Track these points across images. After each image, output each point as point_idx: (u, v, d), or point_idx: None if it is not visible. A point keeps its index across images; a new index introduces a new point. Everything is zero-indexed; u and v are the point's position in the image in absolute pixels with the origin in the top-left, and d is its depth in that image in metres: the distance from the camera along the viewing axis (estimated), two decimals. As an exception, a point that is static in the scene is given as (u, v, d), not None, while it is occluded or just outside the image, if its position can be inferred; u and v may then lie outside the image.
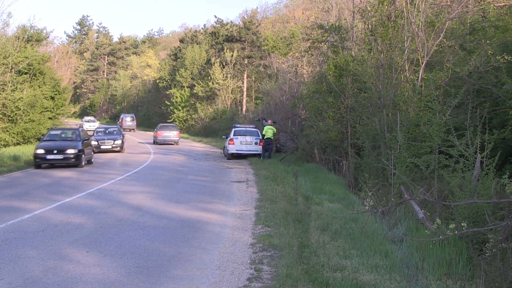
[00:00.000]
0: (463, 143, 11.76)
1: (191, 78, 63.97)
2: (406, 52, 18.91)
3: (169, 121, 64.27)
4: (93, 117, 79.56)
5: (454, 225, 9.16)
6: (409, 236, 10.29)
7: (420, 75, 18.35)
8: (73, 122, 71.50)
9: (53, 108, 36.41)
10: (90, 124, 67.30)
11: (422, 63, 18.43)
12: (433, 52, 18.73)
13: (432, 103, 14.77)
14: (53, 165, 24.36)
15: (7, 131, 32.33)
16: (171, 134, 44.09)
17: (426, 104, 16.15)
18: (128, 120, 67.85)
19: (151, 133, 53.15)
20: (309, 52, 30.18)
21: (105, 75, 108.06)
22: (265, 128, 29.75)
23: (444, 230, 9.08)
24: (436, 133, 13.71)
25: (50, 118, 35.87)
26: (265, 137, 29.34)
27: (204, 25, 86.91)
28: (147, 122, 76.79)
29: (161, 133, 44.09)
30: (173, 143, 43.94)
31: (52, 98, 36.75)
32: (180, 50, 72.35)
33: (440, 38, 18.77)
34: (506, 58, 16.82)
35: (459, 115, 16.36)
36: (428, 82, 16.66)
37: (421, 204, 11.55)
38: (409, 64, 19.21)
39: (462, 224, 9.22)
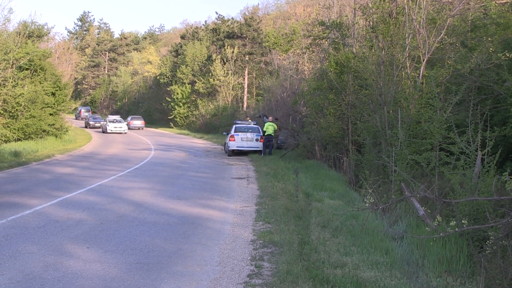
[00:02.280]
0: (464, 140, 11.76)
1: (192, 75, 63.93)
2: (407, 49, 18.88)
3: (170, 117, 64.81)
4: (119, 116, 63.97)
5: (454, 222, 9.17)
6: (410, 233, 10.30)
7: (421, 72, 18.33)
8: (75, 119, 71.44)
9: (54, 104, 36.33)
10: (116, 126, 54.69)
11: (423, 60, 18.41)
12: (434, 49, 18.70)
13: (433, 100, 14.77)
14: None
15: (8, 127, 32.28)
16: (138, 122, 64.28)
17: (427, 101, 16.14)
18: (83, 111, 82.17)
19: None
20: (310, 48, 30.13)
21: (106, 71, 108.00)
22: (266, 124, 29.79)
23: (445, 227, 9.07)
24: (437, 130, 13.71)
25: (51, 114, 35.82)
26: (265, 134, 29.37)
27: (205, 21, 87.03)
28: (148, 118, 76.69)
29: (131, 122, 63.68)
30: (138, 128, 63.31)
31: (53, 94, 36.67)
32: (181, 47, 72.28)
33: (442, 35, 18.75)
34: (508, 55, 16.81)
35: (460, 112, 16.34)
36: (429, 79, 16.63)
37: (421, 201, 11.54)
38: (410, 61, 19.19)
39: (463, 221, 9.24)
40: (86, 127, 63.00)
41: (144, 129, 63.73)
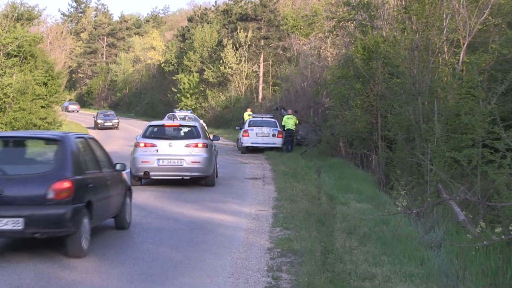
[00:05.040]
0: (511, 135, 11.64)
1: (201, 62, 63.98)
2: (445, 32, 18.79)
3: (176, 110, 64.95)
4: (190, 110, 51.21)
5: (500, 229, 9.09)
6: (448, 241, 10.22)
7: (461, 57, 18.22)
8: (74, 114, 71.71)
9: (46, 95, 36.53)
10: None
11: (464, 44, 18.29)
12: (476, 32, 18.58)
13: (475, 90, 14.64)
14: None
15: (-5, 120, 32.59)
16: (74, 107, 79.15)
17: (467, 91, 16.02)
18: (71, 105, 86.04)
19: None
20: (334, 32, 30.07)
21: (104, 59, 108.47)
22: (284, 118, 29.87)
23: (489, 235, 8.99)
24: (479, 124, 13.59)
25: (42, 107, 36.01)
26: (285, 129, 29.40)
27: (215, 2, 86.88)
28: (150, 111, 76.77)
29: (69, 107, 74.70)
30: (73, 111, 74.81)
31: (45, 84, 36.88)
32: (188, 31, 72.40)
33: (485, 15, 18.61)
34: (561, 38, 16.63)
35: (506, 103, 16.21)
36: (471, 66, 16.53)
37: (462, 205, 11.46)
38: (448, 46, 19.09)
39: (510, 227, 9.13)
40: (94, 128, 51.52)
41: (79, 112, 76.80)
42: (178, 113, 46.29)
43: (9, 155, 10.10)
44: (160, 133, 17.89)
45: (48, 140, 10.12)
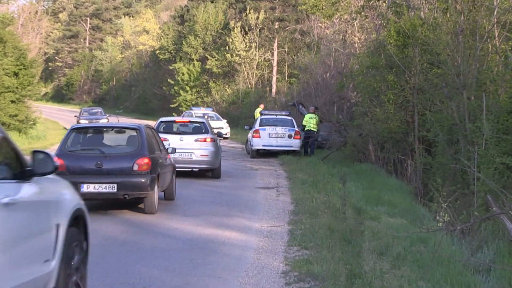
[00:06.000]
0: None
1: (203, 49, 64.13)
2: (495, 13, 18.74)
3: (173, 106, 64.85)
4: (212, 108, 52.37)
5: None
6: (499, 263, 10.21)
7: (514, 44, 18.19)
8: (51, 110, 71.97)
9: (16, 87, 36.51)
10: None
11: (518, 27, 18.26)
12: (533, 13, 18.54)
13: (531, 83, 14.64)
14: None
15: (-45, 118, 32.67)
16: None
17: (522, 84, 16.00)
18: None
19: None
20: (362, 13, 30.08)
21: (87, 44, 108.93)
22: (306, 117, 29.99)
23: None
24: (536, 123, 13.59)
25: (12, 102, 35.99)
26: (305, 129, 29.46)
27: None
28: (143, 106, 76.89)
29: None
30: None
31: (16, 74, 36.87)
32: (188, 11, 72.59)
33: (544, -7, 18.57)
34: None
35: None
36: (526, 54, 16.50)
37: (515, 220, 11.44)
38: (499, 29, 19.04)
39: None
40: None
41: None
42: (196, 111, 46.80)
43: (103, 139, 15.80)
44: (171, 128, 23.17)
45: (130, 129, 15.73)
